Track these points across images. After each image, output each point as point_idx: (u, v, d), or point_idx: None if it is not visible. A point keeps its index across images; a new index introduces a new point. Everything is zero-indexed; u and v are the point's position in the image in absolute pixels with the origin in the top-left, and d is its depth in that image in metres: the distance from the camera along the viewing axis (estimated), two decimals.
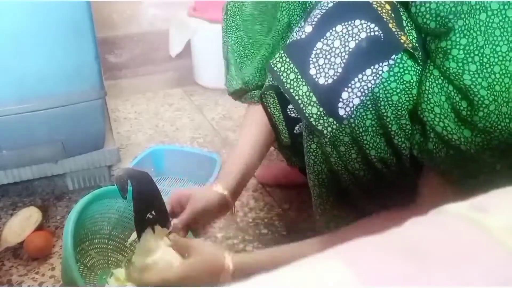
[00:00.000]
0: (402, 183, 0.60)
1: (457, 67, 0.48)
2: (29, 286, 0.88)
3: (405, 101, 0.53)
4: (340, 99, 0.54)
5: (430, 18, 0.50)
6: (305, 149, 0.65)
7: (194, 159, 1.18)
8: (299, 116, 0.79)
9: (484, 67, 0.47)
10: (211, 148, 1.36)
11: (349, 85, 0.53)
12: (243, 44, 0.87)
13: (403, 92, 0.53)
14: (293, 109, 0.80)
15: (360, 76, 0.53)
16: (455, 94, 0.49)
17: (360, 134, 0.56)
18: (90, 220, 0.83)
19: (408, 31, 0.53)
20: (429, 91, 0.51)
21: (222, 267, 0.64)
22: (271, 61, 0.57)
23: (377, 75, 0.53)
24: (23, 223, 0.96)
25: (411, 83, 0.53)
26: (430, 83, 0.51)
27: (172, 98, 1.72)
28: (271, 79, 0.79)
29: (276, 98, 0.80)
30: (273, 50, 0.82)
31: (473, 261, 0.22)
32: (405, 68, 0.53)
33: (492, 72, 0.47)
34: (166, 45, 1.86)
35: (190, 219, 0.74)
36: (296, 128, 0.82)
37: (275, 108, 0.81)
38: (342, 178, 0.62)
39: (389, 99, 0.53)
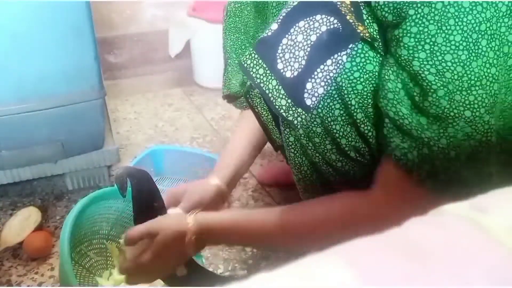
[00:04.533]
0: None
1: (408, 54, 0.50)
2: (28, 286, 0.88)
3: (369, 90, 0.55)
4: (305, 90, 0.57)
5: (388, 10, 0.52)
6: (284, 143, 0.67)
7: (193, 159, 1.18)
8: None
9: (434, 55, 0.48)
10: (211, 148, 1.36)
11: (312, 75, 0.56)
12: (243, 47, 0.87)
13: (367, 81, 0.55)
14: None
15: (322, 66, 0.56)
16: (409, 81, 0.51)
17: (330, 124, 0.59)
18: (88, 221, 0.83)
19: (369, 24, 0.55)
20: (385, 78, 0.53)
21: (185, 228, 0.67)
22: (241, 58, 0.60)
23: (337, 64, 0.56)
24: (23, 223, 0.96)
25: (373, 73, 0.55)
26: (386, 70, 0.53)
27: (172, 98, 1.72)
28: None
29: (261, 98, 0.81)
30: None
31: (473, 261, 0.22)
32: (366, 58, 0.55)
33: (443, 60, 0.48)
34: (166, 45, 1.86)
35: (186, 211, 0.75)
36: None
37: (262, 108, 0.81)
38: (322, 170, 0.64)
39: (354, 88, 0.56)
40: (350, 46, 0.55)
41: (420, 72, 0.49)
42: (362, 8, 0.55)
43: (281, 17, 0.58)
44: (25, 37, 0.86)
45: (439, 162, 0.51)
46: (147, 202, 0.73)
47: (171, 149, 1.24)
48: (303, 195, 0.71)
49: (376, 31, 0.55)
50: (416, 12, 0.49)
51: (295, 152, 0.65)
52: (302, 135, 0.62)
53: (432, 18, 0.48)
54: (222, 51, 0.94)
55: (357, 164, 0.61)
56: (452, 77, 0.48)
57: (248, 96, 0.81)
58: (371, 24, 0.55)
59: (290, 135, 0.64)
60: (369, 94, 0.55)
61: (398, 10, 0.50)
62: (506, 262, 0.22)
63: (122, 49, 1.88)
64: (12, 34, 0.85)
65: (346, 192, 0.62)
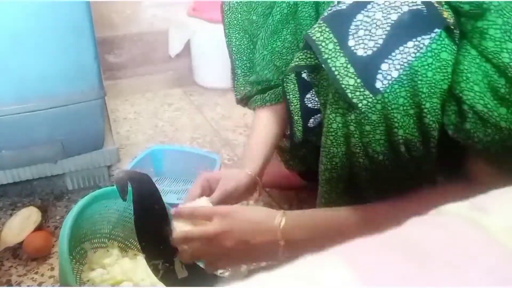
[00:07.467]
0: (417, 176, 0.60)
1: (495, 46, 0.49)
2: (28, 286, 0.88)
3: (439, 79, 0.54)
4: (380, 71, 0.54)
5: (464, 1, 0.51)
6: (324, 129, 0.64)
7: (193, 159, 1.17)
8: (315, 107, 0.78)
9: None
10: (211, 148, 1.36)
11: (390, 56, 0.53)
12: (251, 47, 0.87)
13: (439, 69, 0.53)
14: (310, 99, 0.80)
15: (401, 48, 0.53)
16: (493, 72, 0.50)
17: (391, 111, 0.56)
18: (89, 220, 0.83)
19: (446, 9, 0.54)
20: (468, 70, 0.51)
21: (273, 218, 0.64)
22: (309, 31, 0.57)
23: (419, 48, 0.53)
24: (23, 223, 0.96)
25: (447, 61, 0.53)
26: (468, 62, 0.51)
27: (172, 98, 1.72)
28: (298, 58, 0.77)
29: (296, 85, 0.79)
30: (265, 44, 0.82)
31: (473, 261, 0.22)
32: (443, 45, 0.53)
33: None
34: (166, 45, 1.86)
35: (221, 198, 0.75)
36: (311, 121, 0.81)
37: (294, 96, 0.79)
38: (357, 163, 0.62)
39: (424, 74, 0.54)
40: (435, 31, 0.52)
41: (511, 64, 0.48)
42: None
43: None
44: (25, 37, 0.86)
45: None
46: (148, 205, 0.73)
47: (171, 149, 1.24)
48: (323, 187, 0.69)
49: (452, 17, 0.53)
50: (499, 4, 0.48)
51: (334, 139, 0.63)
52: (353, 121, 0.59)
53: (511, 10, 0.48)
54: (228, 52, 0.93)
55: (398, 160, 0.59)
56: None
57: (284, 79, 0.79)
58: (448, 9, 0.53)
59: (334, 121, 0.61)
60: (438, 83, 0.53)
61: (477, 0, 0.50)
62: (506, 262, 0.22)
63: (122, 49, 1.88)
64: (12, 34, 0.85)
65: (434, 190, 0.59)
